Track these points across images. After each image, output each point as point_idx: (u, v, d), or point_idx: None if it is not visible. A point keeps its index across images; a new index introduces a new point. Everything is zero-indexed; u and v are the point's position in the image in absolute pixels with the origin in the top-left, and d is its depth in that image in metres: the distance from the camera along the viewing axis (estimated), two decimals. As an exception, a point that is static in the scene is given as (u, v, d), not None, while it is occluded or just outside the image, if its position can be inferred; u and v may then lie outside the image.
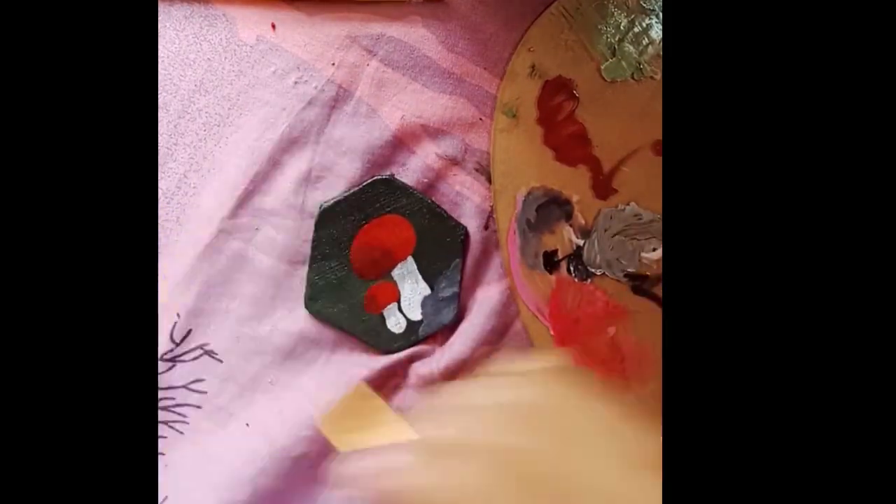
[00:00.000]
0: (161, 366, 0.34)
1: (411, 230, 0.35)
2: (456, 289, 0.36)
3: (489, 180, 0.36)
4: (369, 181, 0.35)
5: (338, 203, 0.35)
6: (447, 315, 0.36)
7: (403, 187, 0.35)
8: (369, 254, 0.35)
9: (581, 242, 0.36)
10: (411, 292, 0.36)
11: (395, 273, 0.36)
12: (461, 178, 0.36)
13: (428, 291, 0.36)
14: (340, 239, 0.35)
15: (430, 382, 0.36)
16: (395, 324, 0.36)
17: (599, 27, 0.35)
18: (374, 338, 0.36)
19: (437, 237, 0.35)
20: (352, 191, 0.35)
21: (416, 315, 0.36)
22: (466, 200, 0.36)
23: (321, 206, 0.35)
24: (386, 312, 0.36)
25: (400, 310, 0.36)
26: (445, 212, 0.36)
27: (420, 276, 0.36)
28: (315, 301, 0.35)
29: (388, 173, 0.35)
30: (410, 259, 0.36)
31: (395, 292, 0.36)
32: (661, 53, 0.34)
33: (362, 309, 0.35)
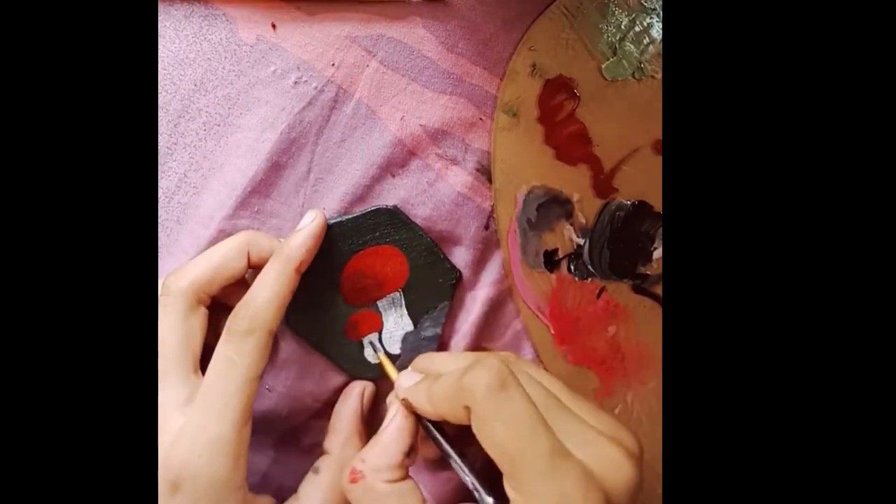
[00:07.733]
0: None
1: (406, 264, 0.35)
2: (439, 330, 0.35)
3: (489, 180, 0.36)
4: (373, 209, 0.34)
5: (338, 224, 0.34)
6: None
7: (406, 221, 0.35)
8: (360, 281, 0.35)
9: (581, 241, 0.36)
10: (394, 325, 0.35)
11: (382, 303, 0.35)
12: (461, 178, 0.36)
13: (411, 327, 0.35)
14: (334, 260, 0.34)
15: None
16: (372, 354, 0.35)
17: (600, 26, 0.35)
18: (350, 364, 0.35)
19: (431, 276, 0.35)
20: (353, 215, 0.34)
21: (395, 349, 0.35)
22: (467, 200, 0.36)
23: None
24: (365, 341, 0.35)
25: (380, 341, 0.35)
26: (443, 252, 0.35)
27: (406, 311, 0.35)
28: (297, 316, 0.34)
29: (393, 205, 0.35)
30: (399, 292, 0.35)
31: (378, 322, 0.35)
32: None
33: (342, 333, 0.35)
